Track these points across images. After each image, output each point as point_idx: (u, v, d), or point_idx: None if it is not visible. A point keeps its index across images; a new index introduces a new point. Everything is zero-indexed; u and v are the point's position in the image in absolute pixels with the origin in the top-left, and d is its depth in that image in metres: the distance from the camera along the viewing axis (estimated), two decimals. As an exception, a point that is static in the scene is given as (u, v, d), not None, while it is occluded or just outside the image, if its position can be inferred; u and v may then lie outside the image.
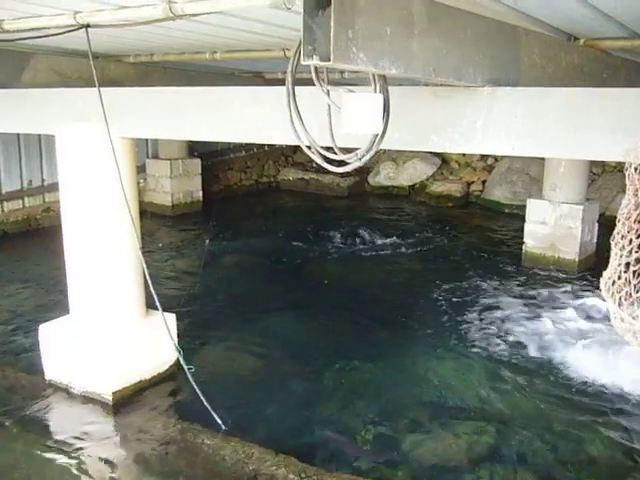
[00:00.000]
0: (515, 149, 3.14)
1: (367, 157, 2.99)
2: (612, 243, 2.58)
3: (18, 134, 10.59)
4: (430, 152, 15.19)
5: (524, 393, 5.50)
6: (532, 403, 5.34)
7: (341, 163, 3.10)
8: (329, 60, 2.25)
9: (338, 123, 2.92)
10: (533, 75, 3.46)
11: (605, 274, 2.63)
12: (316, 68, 2.79)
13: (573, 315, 7.31)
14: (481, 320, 7.12)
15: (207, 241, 10.29)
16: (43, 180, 11.24)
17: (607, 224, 10.20)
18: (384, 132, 2.89)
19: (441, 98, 3.33)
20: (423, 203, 14.30)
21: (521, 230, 9.77)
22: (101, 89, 4.39)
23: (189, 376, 4.76)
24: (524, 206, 9.99)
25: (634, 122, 2.77)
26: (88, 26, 3.79)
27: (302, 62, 2.40)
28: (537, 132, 3.07)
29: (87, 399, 5.13)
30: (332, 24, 2.22)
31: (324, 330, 6.84)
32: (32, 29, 3.94)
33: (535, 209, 9.44)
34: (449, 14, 2.84)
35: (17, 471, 4.29)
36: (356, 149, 3.01)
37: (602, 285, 2.59)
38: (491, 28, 3.14)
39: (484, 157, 14.82)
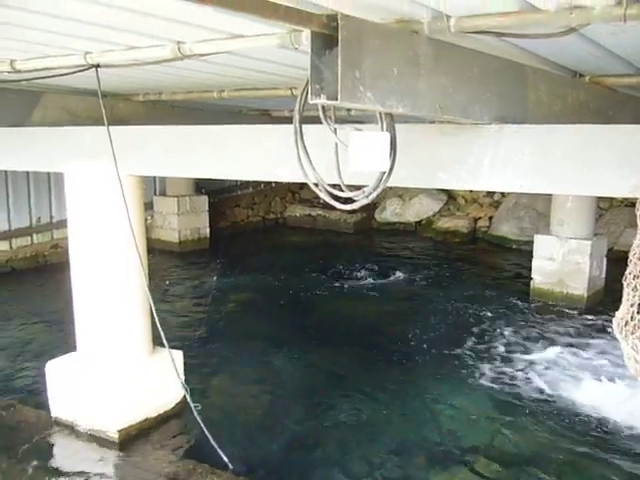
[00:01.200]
0: (523, 186, 3.14)
1: (374, 194, 3.00)
2: (624, 283, 2.56)
3: (27, 172, 10.69)
4: (437, 188, 15.26)
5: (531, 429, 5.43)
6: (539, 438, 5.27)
7: (348, 200, 3.11)
8: (336, 99, 2.28)
9: (345, 161, 2.94)
10: (540, 112, 3.48)
11: (618, 314, 2.61)
12: (323, 107, 2.81)
13: (582, 351, 7.24)
14: (489, 357, 7.05)
15: (214, 278, 10.31)
16: (52, 217, 11.32)
17: (615, 259, 10.27)
18: (391, 170, 2.90)
19: (448, 135, 3.35)
20: (430, 239, 14.29)
21: (529, 266, 9.73)
22: (110, 127, 4.43)
23: (195, 414, 4.72)
24: (531, 242, 9.99)
25: (641, 158, 2.77)
26: (98, 66, 3.84)
27: (310, 101, 2.42)
28: (545, 169, 3.07)
29: (92, 437, 5.08)
30: (339, 64, 2.25)
31: (330, 367, 6.78)
32: (43, 69, 4.00)
33: (543, 245, 9.42)
34: (455, 53, 2.86)
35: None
36: (363, 186, 3.02)
37: (615, 326, 2.56)
38: (497, 66, 3.17)
39: (490, 193, 14.86)
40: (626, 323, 2.52)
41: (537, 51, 3.46)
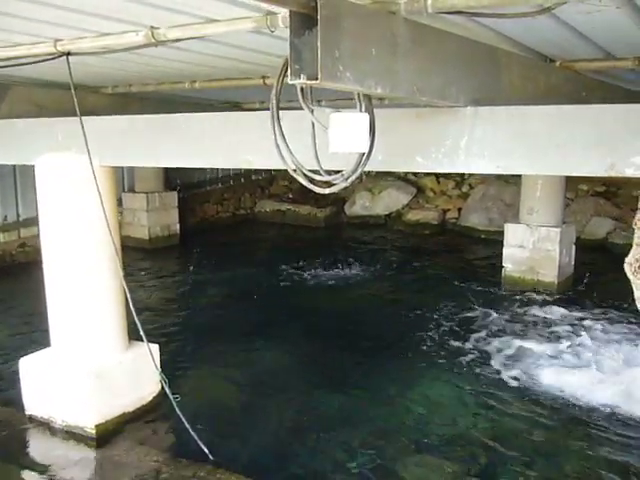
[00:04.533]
0: (500, 167, 3.18)
1: (353, 177, 3.00)
2: (635, 227, 2.73)
3: (-7, 171, 10.51)
4: (405, 181, 15.36)
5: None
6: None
7: (327, 184, 3.10)
8: (316, 79, 2.27)
9: (323, 145, 2.94)
10: (513, 95, 3.51)
11: (627, 259, 2.75)
12: (302, 89, 2.80)
13: (557, 336, 7.35)
14: (463, 344, 7.12)
15: (186, 274, 10.28)
16: (18, 215, 11.11)
17: (583, 247, 10.46)
18: (370, 152, 2.91)
19: (424, 119, 3.37)
20: (400, 231, 14.36)
21: (499, 255, 9.85)
22: (82, 118, 4.37)
23: (175, 406, 4.68)
24: (500, 232, 10.12)
25: (616, 137, 2.82)
26: (69, 54, 3.77)
27: (289, 81, 2.41)
28: (521, 150, 3.11)
29: (69, 433, 5.01)
30: (319, 44, 2.24)
31: (302, 357, 6.79)
32: (11, 58, 3.92)
33: (513, 233, 9.55)
34: (432, 35, 2.88)
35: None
36: (341, 171, 3.02)
37: (627, 269, 2.70)
38: (473, 49, 3.20)
39: (459, 185, 15.01)
40: (636, 260, 2.68)
41: (511, 34, 3.51)
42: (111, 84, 6.11)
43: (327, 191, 3.12)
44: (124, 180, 13.06)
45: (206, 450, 4.62)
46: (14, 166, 10.36)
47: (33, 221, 9.63)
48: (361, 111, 2.83)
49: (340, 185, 3.04)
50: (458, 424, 5.38)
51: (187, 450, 4.69)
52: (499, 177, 13.82)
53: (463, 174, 14.51)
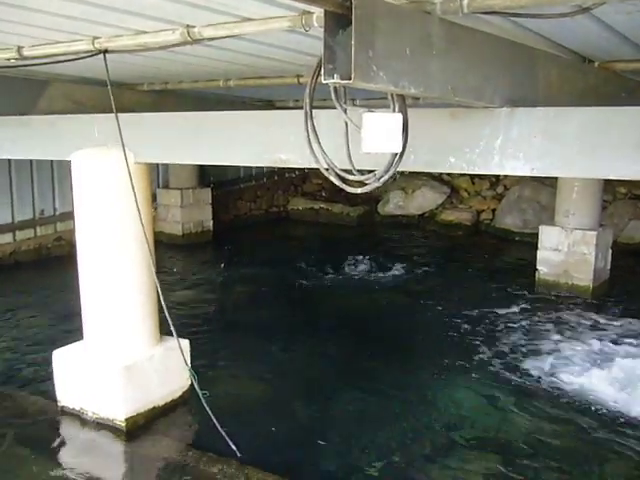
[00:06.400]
0: (535, 169, 3.13)
1: (385, 177, 2.99)
2: None
3: (31, 164, 10.69)
4: (439, 181, 15.24)
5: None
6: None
7: (359, 184, 3.10)
8: (350, 79, 2.27)
9: (356, 145, 2.93)
10: (550, 96, 3.46)
11: None
12: (335, 89, 2.80)
13: (589, 341, 7.24)
14: (494, 346, 7.05)
15: (218, 270, 10.35)
16: (55, 210, 11.29)
17: (620, 251, 10.27)
18: (403, 152, 2.90)
19: (459, 119, 3.34)
20: (433, 232, 14.26)
21: (533, 257, 9.72)
22: (118, 115, 4.42)
23: (203, 402, 4.71)
24: (535, 234, 9.98)
25: (655, 140, 2.76)
26: (106, 51, 3.83)
27: (323, 81, 2.41)
28: (556, 152, 3.06)
29: (100, 425, 5.07)
30: (353, 43, 2.23)
31: (332, 356, 6.79)
32: (50, 55, 3.99)
33: (548, 236, 9.41)
34: (468, 35, 2.86)
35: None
36: (373, 171, 3.02)
37: None
38: (509, 49, 3.16)
39: (493, 185, 14.85)
40: None
41: (549, 34, 3.45)
42: (147, 81, 6.18)
43: (359, 191, 3.11)
44: (159, 176, 13.18)
45: (234, 447, 4.64)
46: (52, 161, 10.54)
47: (69, 215, 9.76)
48: (395, 111, 2.82)
49: (372, 185, 3.04)
50: (491, 424, 5.35)
51: (215, 446, 4.71)
52: (535, 178, 13.64)
53: (498, 175, 14.35)
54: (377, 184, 3.02)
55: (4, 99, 5.33)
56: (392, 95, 2.78)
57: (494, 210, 14.43)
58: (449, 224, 14.42)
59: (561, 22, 2.95)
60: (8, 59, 4.15)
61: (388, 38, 2.39)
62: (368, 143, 2.78)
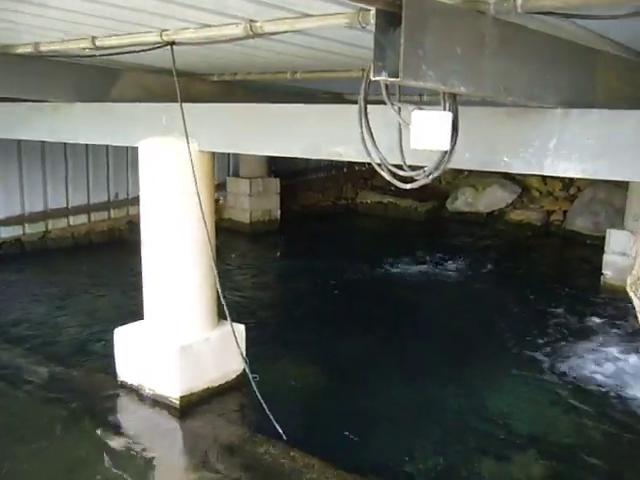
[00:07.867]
0: (586, 171, 3.10)
1: (435, 174, 3.02)
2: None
3: (107, 149, 11.09)
4: (511, 180, 14.96)
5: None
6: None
7: (409, 179, 3.15)
8: (397, 76, 2.31)
9: (408, 141, 2.97)
10: (608, 97, 3.41)
11: (629, 279, 2.70)
12: (387, 86, 2.85)
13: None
14: (556, 351, 6.95)
15: (283, 260, 10.49)
16: (128, 194, 11.69)
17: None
18: (452, 150, 2.91)
19: (513, 118, 3.34)
20: (501, 231, 14.01)
21: (601, 262, 9.50)
22: (183, 104, 4.58)
23: (253, 385, 4.85)
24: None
25: None
26: (173, 43, 3.98)
27: (371, 78, 2.46)
28: (610, 155, 3.03)
29: (155, 401, 5.30)
30: (402, 42, 2.28)
31: (392, 350, 6.83)
32: (122, 45, 4.17)
33: (615, 240, 9.20)
34: (521, 34, 2.84)
35: (86, 467, 4.47)
36: (423, 167, 3.05)
37: (628, 286, 2.66)
38: (565, 49, 3.13)
39: (566, 186, 14.48)
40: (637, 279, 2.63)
41: (608, 34, 3.39)
42: (217, 72, 6.34)
43: (408, 186, 3.16)
44: (229, 165, 13.45)
45: (280, 430, 4.76)
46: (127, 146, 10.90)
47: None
48: (445, 109, 2.84)
49: (421, 181, 3.08)
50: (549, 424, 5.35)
51: (263, 428, 4.85)
52: (608, 180, 13.23)
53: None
54: (425, 180, 3.05)
55: (80, 87, 5.58)
56: (442, 93, 2.81)
57: (565, 211, 14.07)
58: (518, 224, 14.16)
59: (621, 21, 2.91)
60: (83, 48, 4.35)
61: (438, 37, 2.42)
62: (416, 140, 2.82)
